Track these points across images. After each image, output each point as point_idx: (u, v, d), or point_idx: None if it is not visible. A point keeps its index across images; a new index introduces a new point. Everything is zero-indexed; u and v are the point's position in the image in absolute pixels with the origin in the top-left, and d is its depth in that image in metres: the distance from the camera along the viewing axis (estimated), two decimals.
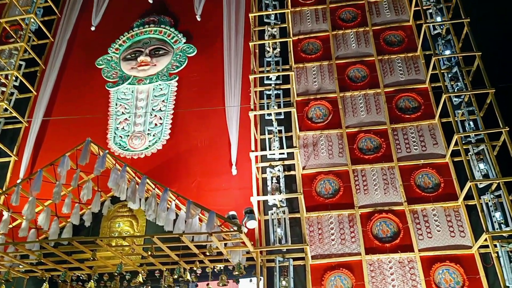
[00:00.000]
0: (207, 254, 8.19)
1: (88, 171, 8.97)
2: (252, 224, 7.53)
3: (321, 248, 8.83)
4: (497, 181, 8.13)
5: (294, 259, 8.47)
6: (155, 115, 11.05)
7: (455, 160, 9.20)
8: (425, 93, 10.19)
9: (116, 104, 11.35)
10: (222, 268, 8.59)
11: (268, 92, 10.24)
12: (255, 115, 9.78)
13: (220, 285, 8.06)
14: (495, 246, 7.58)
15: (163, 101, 11.21)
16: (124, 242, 8.50)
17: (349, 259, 8.60)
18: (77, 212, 9.05)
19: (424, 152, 9.49)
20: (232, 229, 7.51)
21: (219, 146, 10.38)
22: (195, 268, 8.36)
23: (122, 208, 9.83)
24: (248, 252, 8.74)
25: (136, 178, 8.53)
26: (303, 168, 9.63)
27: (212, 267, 9.02)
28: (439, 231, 8.58)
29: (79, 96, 11.68)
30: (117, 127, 10.99)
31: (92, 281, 8.80)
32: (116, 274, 8.20)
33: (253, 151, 9.24)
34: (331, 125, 10.15)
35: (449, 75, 9.61)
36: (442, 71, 9.52)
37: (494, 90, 8.91)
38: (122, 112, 11.21)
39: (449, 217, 8.70)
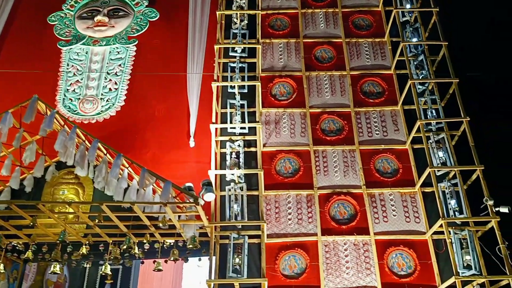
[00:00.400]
0: (159, 226, 7.77)
1: (33, 132, 8.24)
2: (210, 197, 7.17)
3: (277, 227, 8.62)
4: (455, 169, 8.22)
5: (250, 236, 8.20)
6: (110, 80, 10.37)
7: (414, 147, 9.24)
8: (389, 79, 10.17)
9: (68, 65, 10.55)
10: (172, 243, 8.19)
11: (232, 65, 9.84)
12: (217, 87, 9.36)
13: (171, 259, 7.66)
14: (449, 232, 7.65)
15: (119, 65, 10.53)
16: (68, 209, 7.87)
17: (305, 239, 8.45)
18: (17, 176, 8.30)
19: (385, 138, 9.47)
20: (188, 201, 7.11)
21: (178, 117, 9.91)
22: (144, 241, 7.90)
23: (68, 175, 9.13)
24: (201, 227, 8.40)
25: (86, 142, 7.92)
26: (264, 146, 9.35)
27: (162, 242, 8.60)
28: (395, 215, 8.60)
29: (28, 53, 10.76)
30: (68, 89, 10.22)
31: (29, 251, 8.14)
32: (58, 242, 7.58)
33: (213, 123, 8.84)
34: (295, 103, 9.91)
35: (415, 63, 9.61)
36: (408, 58, 9.48)
37: (457, 80, 8.99)
38: (74, 73, 10.44)
39: (405, 202, 8.74)
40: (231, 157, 8.84)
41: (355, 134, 9.47)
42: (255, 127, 9.20)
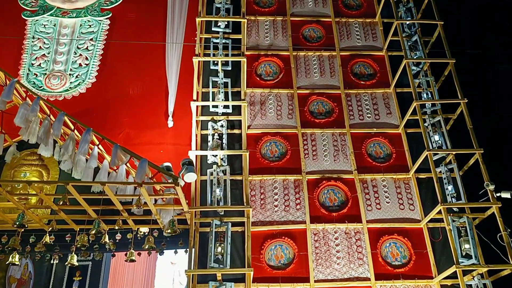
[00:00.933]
0: (133, 212, 7.00)
1: None
2: (191, 178, 6.42)
3: (262, 214, 7.94)
4: (454, 152, 7.73)
5: (233, 224, 7.51)
6: (80, 54, 9.49)
7: (408, 131, 8.73)
8: (381, 61, 9.63)
9: (34, 37, 9.60)
10: (147, 233, 7.42)
11: (215, 41, 9.10)
12: (199, 63, 8.62)
13: (146, 248, 6.89)
14: (449, 219, 7.13)
15: (91, 39, 9.65)
16: (31, 191, 7.00)
17: (293, 227, 7.80)
18: None
19: (377, 121, 8.93)
20: (166, 182, 6.36)
21: (155, 95, 9.15)
22: (116, 228, 7.09)
23: (30, 156, 8.25)
24: (180, 214, 7.65)
25: (51, 117, 7.06)
26: (248, 128, 8.65)
27: (136, 230, 7.81)
28: (388, 202, 8.05)
29: None
30: (32, 63, 9.30)
31: None
32: (15, 226, 6.69)
33: (194, 100, 8.09)
34: (282, 84, 9.26)
35: (409, 44, 9.10)
36: (403, 38, 8.95)
37: (454, 61, 8.52)
38: (40, 46, 9.50)
39: (399, 189, 8.20)
40: (213, 139, 8.12)
41: (345, 117, 8.89)
42: (239, 107, 8.52)
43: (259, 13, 10.13)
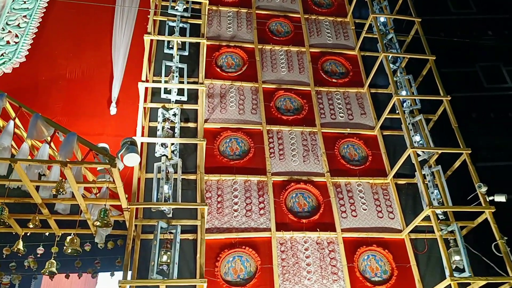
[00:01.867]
0: (57, 208, 5.51)
1: None
2: (133, 160, 5.06)
3: (219, 220, 6.63)
4: (439, 152, 6.84)
5: (183, 231, 6.11)
6: (10, 31, 8.04)
7: (384, 133, 7.84)
8: (353, 60, 8.83)
9: None
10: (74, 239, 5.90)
11: (171, 24, 7.95)
12: (151, 42, 7.41)
13: (69, 250, 5.34)
14: (438, 226, 6.10)
15: (24, 16, 8.25)
16: None
17: (255, 236, 6.52)
18: None
19: (350, 121, 7.98)
20: (99, 161, 4.96)
21: (96, 80, 7.81)
22: (31, 226, 5.50)
23: None
24: (119, 215, 6.21)
25: None
26: (205, 121, 7.44)
27: (59, 236, 6.27)
28: (365, 209, 6.97)
29: None
30: None
31: None
32: None
33: (143, 81, 6.81)
34: (245, 77, 8.19)
35: (384, 42, 8.35)
36: (379, 32, 8.19)
37: (434, 57, 7.82)
38: None
39: (376, 195, 7.17)
40: (163, 129, 6.81)
41: (316, 115, 7.88)
42: (195, 97, 7.35)
43: (222, 4, 9.16)
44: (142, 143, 6.65)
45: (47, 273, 6.02)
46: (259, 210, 6.77)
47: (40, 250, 7.60)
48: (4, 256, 7.76)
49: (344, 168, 7.40)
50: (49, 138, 5.23)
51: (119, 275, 9.58)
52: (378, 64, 8.04)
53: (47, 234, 6.99)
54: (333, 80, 8.43)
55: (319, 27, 9.21)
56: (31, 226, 5.43)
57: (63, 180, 4.82)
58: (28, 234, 6.88)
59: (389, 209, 7.03)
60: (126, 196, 5.63)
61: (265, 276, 6.21)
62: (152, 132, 7.06)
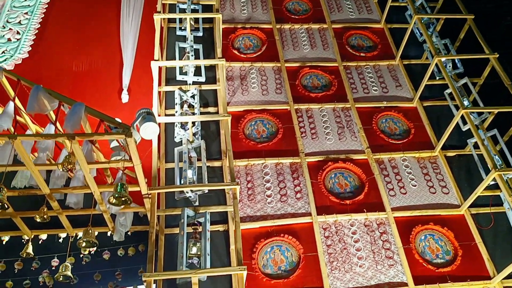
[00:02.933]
0: (68, 203, 4.81)
1: None
2: (150, 129, 4.33)
3: (251, 207, 5.85)
4: (495, 111, 6.03)
5: (212, 221, 5.34)
6: (11, 29, 7.53)
7: (424, 104, 7.06)
8: (381, 33, 8.12)
9: None
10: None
11: (182, 6, 7.35)
12: (161, 22, 6.78)
13: (83, 245, 4.59)
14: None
15: (25, 13, 7.74)
16: None
17: (294, 222, 5.72)
18: None
19: (385, 94, 7.22)
20: (109, 132, 4.24)
21: (105, 72, 7.28)
22: (38, 219, 4.77)
23: None
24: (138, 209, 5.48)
25: None
26: (227, 105, 6.73)
27: (73, 237, 5.56)
28: (414, 185, 6.14)
29: None
30: None
31: None
32: None
33: (156, 60, 6.16)
34: (265, 57, 7.52)
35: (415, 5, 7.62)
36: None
37: (473, 16, 7.07)
38: None
39: (425, 169, 6.35)
40: (182, 107, 6.12)
41: (347, 90, 7.15)
42: (213, 77, 6.68)
43: None
44: (159, 127, 5.95)
45: (61, 279, 5.27)
46: (295, 194, 5.98)
47: (55, 262, 6.91)
48: (15, 272, 7.08)
49: (385, 143, 6.61)
50: (54, 116, 4.57)
51: None
52: (408, 34, 7.32)
53: (60, 239, 6.32)
54: (361, 54, 7.71)
55: (339, 3, 8.56)
56: (38, 220, 4.70)
57: (69, 156, 4.11)
58: (39, 242, 6.23)
59: (442, 184, 6.19)
60: (146, 180, 4.91)
61: (310, 265, 5.39)
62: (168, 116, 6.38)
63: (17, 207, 5.27)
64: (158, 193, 5.45)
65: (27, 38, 7.42)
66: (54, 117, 4.59)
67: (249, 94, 7.01)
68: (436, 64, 6.74)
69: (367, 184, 6.09)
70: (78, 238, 6.29)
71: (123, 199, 4.12)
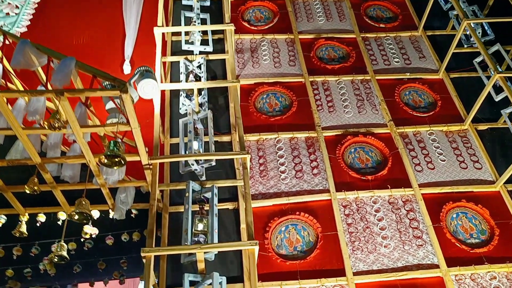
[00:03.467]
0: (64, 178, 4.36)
1: None
2: (149, 89, 3.86)
3: (264, 184, 5.34)
4: None
5: (220, 198, 4.83)
6: (9, 3, 7.14)
7: (451, 76, 6.49)
8: (401, 3, 7.57)
9: None
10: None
11: None
12: None
13: (76, 217, 4.11)
14: None
15: None
16: None
17: (310, 199, 5.20)
18: None
19: (408, 66, 6.67)
20: (101, 87, 3.77)
21: (107, 45, 6.80)
22: (27, 190, 4.32)
23: None
24: (137, 188, 5.02)
25: None
26: (237, 78, 6.25)
27: (69, 217, 5.08)
28: (443, 160, 5.58)
29: None
30: None
31: None
32: None
33: (160, 26, 5.69)
34: (277, 29, 7.02)
35: None
36: None
37: None
38: None
39: (454, 143, 5.78)
40: (187, 78, 5.63)
41: (367, 62, 6.62)
42: (222, 48, 6.20)
43: None
44: (163, 97, 5.51)
45: (55, 260, 4.82)
46: (312, 169, 5.46)
47: (47, 259, 6.50)
48: (15, 258, 6.68)
49: (409, 116, 6.05)
50: (44, 78, 4.13)
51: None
52: (431, 3, 6.76)
53: (59, 221, 5.87)
54: (381, 25, 7.17)
55: None
56: (27, 191, 4.26)
57: (58, 111, 3.64)
58: (38, 225, 5.79)
59: (474, 158, 5.62)
60: (147, 149, 4.43)
61: (329, 245, 4.86)
62: (174, 94, 5.91)
63: (8, 182, 4.83)
64: (162, 167, 4.99)
65: (26, 11, 7.02)
66: (45, 78, 4.14)
67: (260, 67, 6.51)
68: (463, 34, 6.18)
69: (391, 159, 5.54)
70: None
71: (116, 159, 3.64)
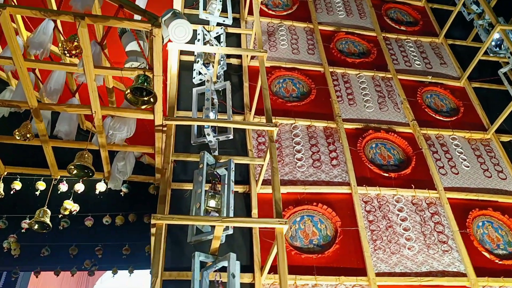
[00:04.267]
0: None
1: None
2: (181, 31, 3.33)
3: (280, 171, 4.84)
4: None
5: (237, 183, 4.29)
6: None
7: (473, 85, 6.25)
8: (422, 11, 7.38)
9: None
10: (85, 154, 4.05)
11: None
12: None
13: (74, 172, 3.48)
14: None
15: None
16: None
17: (328, 191, 4.72)
18: None
19: (429, 70, 6.39)
20: (128, 18, 3.22)
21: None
22: (18, 137, 3.66)
23: None
24: (139, 157, 4.42)
25: None
26: (251, 59, 5.79)
27: (56, 180, 4.46)
28: (467, 166, 5.25)
29: None
30: None
31: None
32: None
33: None
34: (296, 17, 6.65)
35: None
36: None
37: None
38: None
39: (477, 151, 5.47)
40: (203, 41, 5.11)
41: (388, 60, 6.30)
42: (237, 22, 5.78)
43: None
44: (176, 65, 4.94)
45: (35, 227, 4.12)
46: (331, 160, 5.00)
47: (26, 224, 5.75)
48: None
49: (431, 119, 5.73)
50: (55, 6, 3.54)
51: (123, 274, 7.74)
52: (456, 12, 6.56)
53: (37, 191, 5.18)
54: (402, 28, 6.92)
55: None
56: (17, 137, 3.59)
57: (77, 35, 3.04)
58: (11, 192, 5.06)
59: (497, 168, 5.31)
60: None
61: (348, 241, 4.37)
62: (183, 67, 5.38)
63: None
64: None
65: None
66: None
67: (277, 51, 6.08)
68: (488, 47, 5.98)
69: (414, 159, 5.15)
70: (59, 192, 5.22)
71: (145, 98, 3.05)
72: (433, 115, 5.75)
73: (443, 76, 6.32)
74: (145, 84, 3.00)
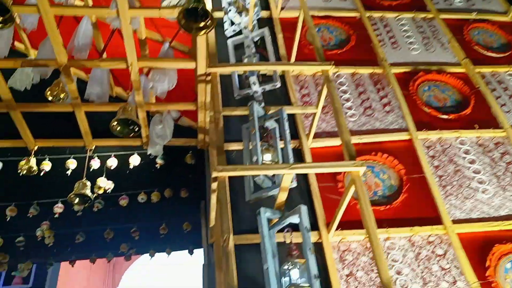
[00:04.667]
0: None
1: None
2: None
3: (327, 122, 4.44)
4: None
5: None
6: None
7: None
8: None
9: None
10: (129, 107, 3.66)
11: None
12: None
13: (118, 128, 3.10)
14: None
15: None
16: None
17: (386, 139, 4.31)
18: None
19: (472, 7, 5.91)
20: None
21: None
22: (50, 97, 3.28)
23: None
24: (177, 119, 4.03)
25: None
26: (282, 9, 5.35)
27: (92, 151, 4.09)
28: None
29: None
30: None
31: None
32: None
33: None
34: None
35: None
36: None
37: None
38: None
39: None
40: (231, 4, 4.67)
41: (427, 0, 5.82)
42: None
43: None
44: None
45: (76, 201, 3.76)
46: (383, 106, 4.58)
47: (59, 208, 5.42)
48: (7, 220, 5.55)
49: (482, 56, 5.27)
50: None
51: (161, 256, 7.40)
52: None
53: (68, 171, 4.82)
54: None
55: None
56: (50, 98, 3.21)
57: None
58: (41, 174, 4.69)
59: None
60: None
61: (416, 190, 3.97)
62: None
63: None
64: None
65: None
66: None
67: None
68: None
69: (473, 98, 4.72)
70: (91, 170, 4.86)
71: (200, 18, 2.61)
72: (484, 52, 5.29)
73: (488, 12, 5.83)
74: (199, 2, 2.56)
